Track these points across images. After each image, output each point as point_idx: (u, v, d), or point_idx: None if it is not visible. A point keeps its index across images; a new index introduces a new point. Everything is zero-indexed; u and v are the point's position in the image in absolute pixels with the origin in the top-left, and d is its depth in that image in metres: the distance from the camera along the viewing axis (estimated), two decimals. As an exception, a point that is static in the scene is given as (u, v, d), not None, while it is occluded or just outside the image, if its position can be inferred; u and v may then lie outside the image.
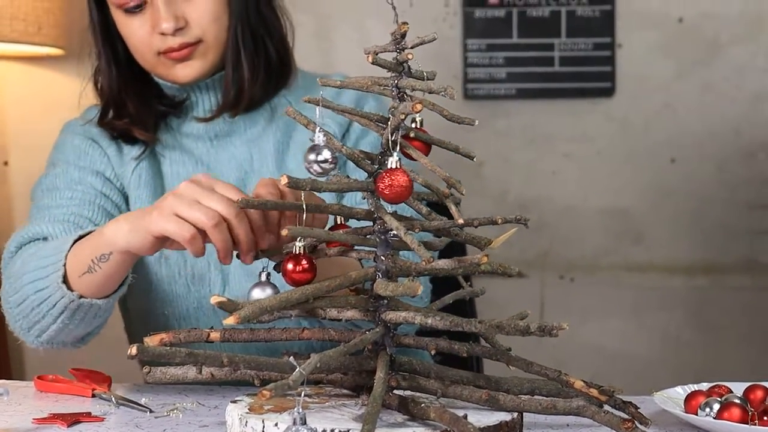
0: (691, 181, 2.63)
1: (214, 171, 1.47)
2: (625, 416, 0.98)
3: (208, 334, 0.99)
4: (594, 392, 0.98)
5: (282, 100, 1.53)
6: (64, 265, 1.26)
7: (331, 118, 1.50)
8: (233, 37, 1.46)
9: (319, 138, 0.98)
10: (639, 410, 1.00)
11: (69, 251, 1.27)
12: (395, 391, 0.99)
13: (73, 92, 2.75)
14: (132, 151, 1.50)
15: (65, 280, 1.26)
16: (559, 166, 2.67)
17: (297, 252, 1.00)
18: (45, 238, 1.38)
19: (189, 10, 1.43)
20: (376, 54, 0.98)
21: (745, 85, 2.61)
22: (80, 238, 1.28)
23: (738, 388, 1.15)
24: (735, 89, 2.61)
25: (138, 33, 1.44)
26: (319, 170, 0.98)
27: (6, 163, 2.78)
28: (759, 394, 1.13)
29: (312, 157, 0.98)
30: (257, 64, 1.48)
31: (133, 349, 0.89)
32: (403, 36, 0.98)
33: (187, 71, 1.46)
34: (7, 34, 2.43)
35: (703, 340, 2.64)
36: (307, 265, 0.99)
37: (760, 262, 2.61)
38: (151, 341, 0.97)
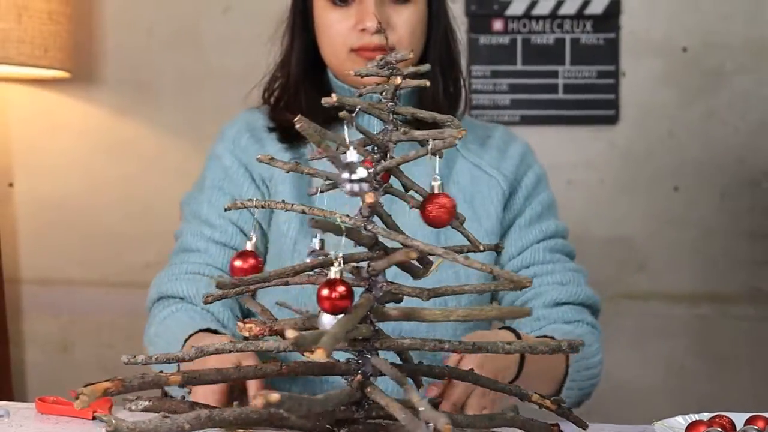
0: (695, 210, 2.63)
1: None
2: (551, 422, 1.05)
3: (168, 379, 0.94)
4: (547, 403, 1.03)
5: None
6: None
7: (494, 167, 1.59)
8: (427, 56, 1.55)
9: (353, 155, 0.92)
10: (572, 413, 1.05)
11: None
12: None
13: (78, 114, 2.79)
14: (279, 155, 1.54)
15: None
16: (562, 193, 2.66)
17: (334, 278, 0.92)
18: (182, 298, 1.47)
19: (394, 17, 1.49)
20: (363, 76, 1.00)
21: (749, 114, 2.61)
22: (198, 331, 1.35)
23: (739, 418, 1.15)
24: (739, 118, 2.61)
25: (338, 26, 1.51)
26: (356, 190, 0.91)
27: (11, 185, 2.79)
28: (760, 424, 1.12)
29: (345, 175, 0.91)
30: (443, 90, 1.57)
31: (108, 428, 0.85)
32: (387, 63, 0.99)
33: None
34: (14, 57, 2.45)
35: (706, 369, 2.64)
36: (345, 292, 0.91)
37: (763, 291, 2.61)
38: (95, 390, 0.89)
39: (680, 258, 2.64)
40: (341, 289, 0.90)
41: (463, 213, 1.53)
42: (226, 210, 1.00)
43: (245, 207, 0.98)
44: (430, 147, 0.95)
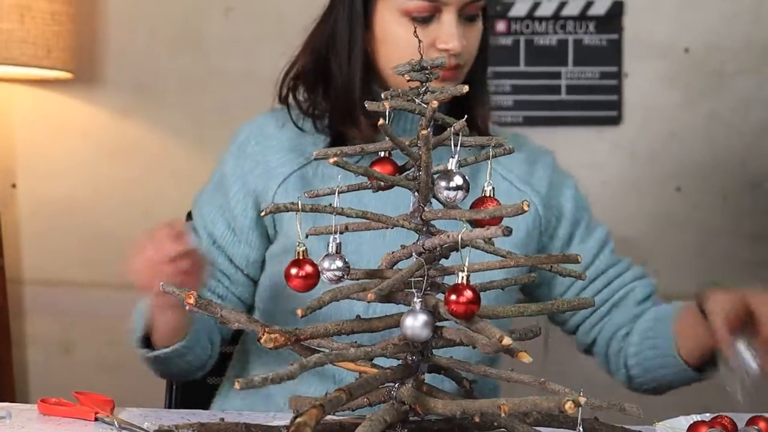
0: (697, 211, 2.63)
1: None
2: None
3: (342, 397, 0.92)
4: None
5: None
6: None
7: (524, 182, 1.59)
8: (480, 70, 1.55)
9: (452, 163, 0.96)
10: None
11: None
12: None
13: (81, 116, 2.79)
14: (282, 168, 1.52)
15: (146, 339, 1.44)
16: (564, 194, 2.67)
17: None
18: None
19: (466, 36, 1.47)
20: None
21: (751, 115, 2.61)
22: None
23: (741, 419, 1.15)
24: (741, 120, 2.61)
25: (413, 41, 1.45)
26: (452, 197, 0.95)
27: (14, 186, 2.79)
28: (761, 425, 1.13)
29: (443, 183, 0.95)
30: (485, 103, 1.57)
31: None
32: (425, 92, 0.99)
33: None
34: (17, 58, 2.45)
35: (708, 370, 2.63)
36: (472, 297, 0.94)
37: (765, 292, 2.61)
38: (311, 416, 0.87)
39: (682, 259, 2.63)
40: (468, 293, 0.92)
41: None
42: (264, 215, 0.99)
43: (291, 210, 0.96)
44: (491, 152, 1.00)
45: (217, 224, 1.55)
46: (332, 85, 1.53)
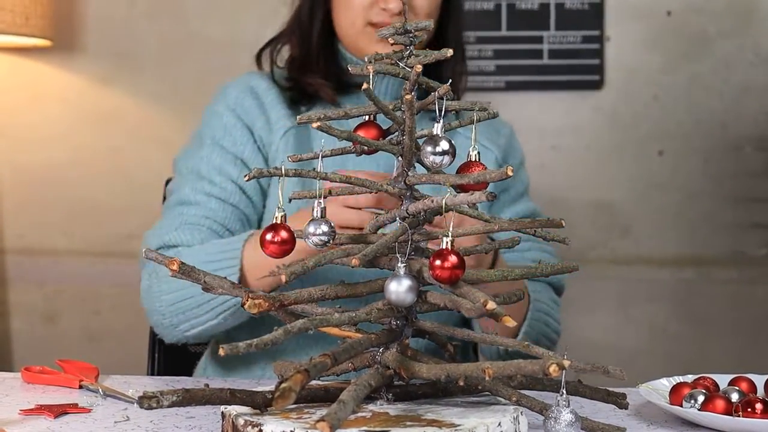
0: (679, 174, 2.64)
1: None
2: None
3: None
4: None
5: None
6: (241, 268, 1.35)
7: (490, 140, 1.65)
8: (444, 36, 1.61)
9: (437, 128, 0.96)
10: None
11: (243, 253, 1.36)
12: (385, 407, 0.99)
13: (60, 83, 2.77)
14: (281, 121, 1.55)
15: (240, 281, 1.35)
16: (547, 158, 2.67)
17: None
18: (188, 247, 1.45)
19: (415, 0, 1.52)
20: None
21: (733, 78, 2.61)
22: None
23: (723, 380, 1.16)
24: (722, 83, 2.61)
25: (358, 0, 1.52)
26: (438, 162, 0.96)
27: (-7, 155, 2.77)
28: (743, 386, 1.14)
29: (429, 148, 0.96)
30: (455, 71, 1.64)
31: None
32: (409, 55, 0.99)
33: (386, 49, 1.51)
34: (-6, 25, 2.42)
35: (689, 333, 2.65)
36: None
37: (746, 254, 2.62)
38: (295, 382, 0.87)
39: (664, 222, 2.65)
40: (453, 259, 0.92)
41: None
42: (248, 179, 0.96)
43: (275, 175, 0.95)
44: (475, 117, 1.00)
45: (242, 172, 1.53)
46: (296, 39, 1.60)
